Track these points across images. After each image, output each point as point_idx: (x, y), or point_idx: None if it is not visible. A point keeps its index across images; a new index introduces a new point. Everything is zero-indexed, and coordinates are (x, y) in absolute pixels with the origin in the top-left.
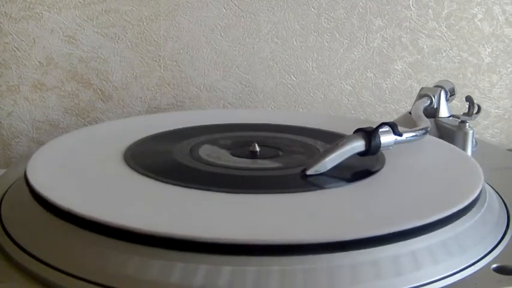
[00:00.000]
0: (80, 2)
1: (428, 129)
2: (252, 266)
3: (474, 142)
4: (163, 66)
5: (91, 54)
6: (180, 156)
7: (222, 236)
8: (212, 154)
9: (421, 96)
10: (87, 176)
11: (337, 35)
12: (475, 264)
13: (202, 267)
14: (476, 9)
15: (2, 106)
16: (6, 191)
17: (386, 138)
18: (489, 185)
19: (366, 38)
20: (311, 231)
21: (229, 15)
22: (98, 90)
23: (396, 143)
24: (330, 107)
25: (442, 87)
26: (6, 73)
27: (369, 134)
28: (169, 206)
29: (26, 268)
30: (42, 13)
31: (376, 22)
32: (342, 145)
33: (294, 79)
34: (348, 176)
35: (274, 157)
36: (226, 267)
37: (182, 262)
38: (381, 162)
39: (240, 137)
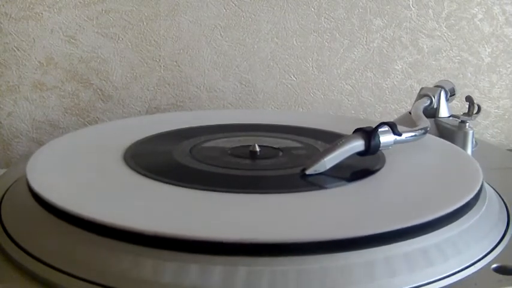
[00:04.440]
0: (80, 2)
1: (428, 129)
2: (251, 266)
3: (474, 142)
4: (163, 66)
5: (91, 54)
6: (180, 156)
7: (222, 236)
8: (212, 154)
9: (421, 96)
10: (87, 176)
11: (337, 35)
12: (475, 264)
13: (200, 267)
14: (476, 9)
15: (2, 106)
16: (6, 191)
17: (386, 138)
18: (489, 185)
19: (366, 38)
20: (311, 231)
21: (229, 15)
22: (98, 90)
23: (396, 142)
24: (330, 107)
25: (442, 87)
26: (6, 73)
27: (368, 134)
28: (169, 206)
29: (26, 268)
30: (42, 13)
31: (376, 22)
32: (341, 145)
33: (294, 79)
34: (348, 175)
35: (274, 157)
36: (225, 267)
37: (182, 262)
38: (381, 161)
39: (240, 137)
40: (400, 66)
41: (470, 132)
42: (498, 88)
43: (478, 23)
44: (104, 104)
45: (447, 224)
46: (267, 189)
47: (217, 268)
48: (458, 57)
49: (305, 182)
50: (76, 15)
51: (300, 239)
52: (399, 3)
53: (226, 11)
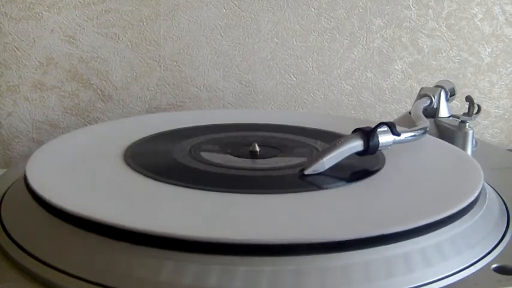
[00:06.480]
0: (80, 2)
1: (427, 129)
2: (251, 266)
3: (474, 142)
4: (163, 66)
5: (91, 54)
6: (180, 156)
7: (222, 236)
8: (212, 154)
9: (421, 96)
10: (86, 176)
11: (337, 35)
12: (475, 264)
13: (200, 267)
14: (476, 9)
15: (2, 106)
16: (6, 191)
17: (385, 138)
18: (489, 185)
19: (366, 38)
20: (310, 232)
21: (229, 15)
22: (98, 90)
23: (395, 142)
24: (330, 107)
25: (442, 87)
26: (6, 73)
27: (367, 134)
28: (169, 206)
29: (26, 268)
30: (42, 13)
31: (376, 22)
32: (340, 145)
33: (294, 79)
34: (347, 175)
35: (274, 157)
36: (224, 267)
37: (182, 262)
38: (381, 162)
39: (240, 137)
40: (400, 66)
41: (470, 132)
42: (498, 88)
43: (478, 23)
44: (104, 104)
45: (447, 224)
46: (266, 189)
47: (216, 268)
48: (458, 57)
49: (304, 182)
50: (76, 15)
51: (299, 239)
52: (399, 3)
53: (226, 11)
